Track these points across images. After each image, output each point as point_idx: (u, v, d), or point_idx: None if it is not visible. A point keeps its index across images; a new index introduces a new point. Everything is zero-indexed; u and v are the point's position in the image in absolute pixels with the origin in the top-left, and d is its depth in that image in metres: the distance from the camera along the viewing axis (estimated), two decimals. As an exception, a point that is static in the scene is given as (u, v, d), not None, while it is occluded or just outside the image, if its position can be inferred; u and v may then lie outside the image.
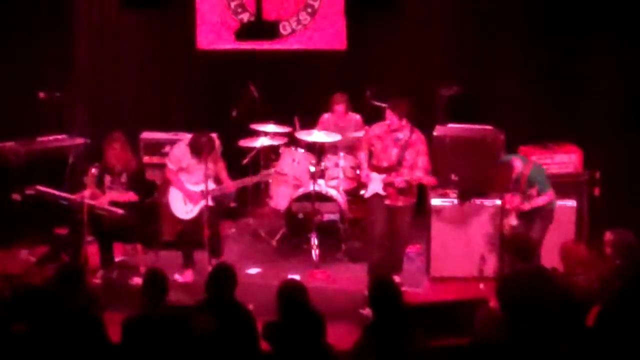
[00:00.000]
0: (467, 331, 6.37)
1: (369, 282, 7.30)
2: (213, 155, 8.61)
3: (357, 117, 10.05)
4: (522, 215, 8.17)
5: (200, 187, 8.63)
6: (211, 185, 8.61)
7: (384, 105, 9.57)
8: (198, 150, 8.52)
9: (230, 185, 8.88)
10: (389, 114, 8.22)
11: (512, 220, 8.27)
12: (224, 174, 8.83)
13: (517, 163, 8.13)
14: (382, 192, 8.26)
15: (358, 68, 10.73)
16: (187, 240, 8.78)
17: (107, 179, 8.57)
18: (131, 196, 8.52)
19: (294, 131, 9.92)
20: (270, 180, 9.71)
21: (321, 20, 10.86)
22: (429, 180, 8.25)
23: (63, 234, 8.99)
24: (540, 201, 8.06)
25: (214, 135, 8.79)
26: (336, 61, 10.81)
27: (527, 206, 8.08)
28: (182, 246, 8.85)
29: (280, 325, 5.92)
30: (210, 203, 8.60)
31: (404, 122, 8.21)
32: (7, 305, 6.04)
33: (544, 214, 8.13)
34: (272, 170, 9.57)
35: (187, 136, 8.83)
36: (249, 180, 9.25)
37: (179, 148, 8.72)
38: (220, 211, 8.92)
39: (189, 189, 8.67)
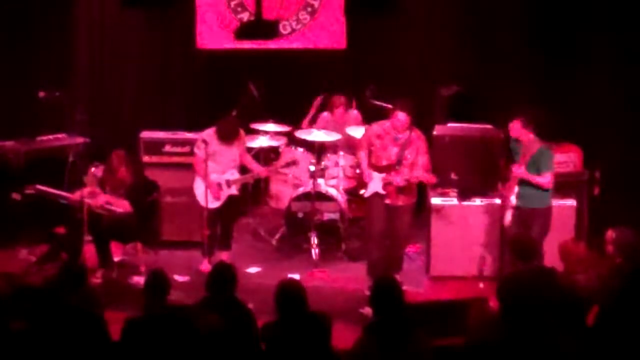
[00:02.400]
0: (464, 331, 6.37)
1: (371, 282, 7.30)
2: (239, 143, 8.77)
3: (355, 112, 10.06)
4: (519, 216, 8.14)
5: (226, 176, 8.71)
6: (235, 175, 8.75)
7: (384, 104, 9.60)
8: (226, 132, 8.68)
9: (263, 171, 9.09)
10: (400, 115, 8.13)
11: (505, 220, 8.26)
12: (250, 160, 9.04)
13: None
14: (382, 191, 8.26)
15: (358, 68, 10.74)
16: (209, 229, 8.79)
17: (108, 188, 8.59)
18: (125, 206, 8.53)
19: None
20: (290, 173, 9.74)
21: (321, 19, 10.87)
22: (429, 178, 8.24)
23: (63, 233, 8.99)
24: (537, 179, 8.03)
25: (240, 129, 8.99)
26: (336, 61, 10.81)
27: (524, 174, 8.04)
28: (203, 235, 8.88)
29: (279, 325, 5.91)
30: (235, 192, 8.80)
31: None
32: (8, 305, 6.05)
33: (539, 216, 8.10)
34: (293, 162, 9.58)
35: (188, 134, 8.92)
36: (277, 166, 9.42)
37: (207, 135, 8.78)
38: (241, 205, 9.00)
39: (212, 181, 8.72)
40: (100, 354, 5.88)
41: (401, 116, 8.14)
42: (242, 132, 8.98)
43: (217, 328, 5.80)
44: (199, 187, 8.83)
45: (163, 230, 9.28)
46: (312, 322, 5.89)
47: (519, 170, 8.04)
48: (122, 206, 8.52)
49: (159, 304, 6.01)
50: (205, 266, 8.68)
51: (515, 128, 8.17)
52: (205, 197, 8.68)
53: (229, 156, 8.81)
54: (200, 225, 8.86)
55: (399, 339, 5.56)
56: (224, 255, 8.82)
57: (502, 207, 8.42)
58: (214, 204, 8.75)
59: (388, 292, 5.75)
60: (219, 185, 8.78)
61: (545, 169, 8.06)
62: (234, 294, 6.19)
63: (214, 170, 8.74)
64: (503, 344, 5.73)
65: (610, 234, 6.97)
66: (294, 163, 9.36)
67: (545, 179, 8.04)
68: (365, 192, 8.44)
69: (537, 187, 8.03)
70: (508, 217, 8.21)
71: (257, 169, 9.03)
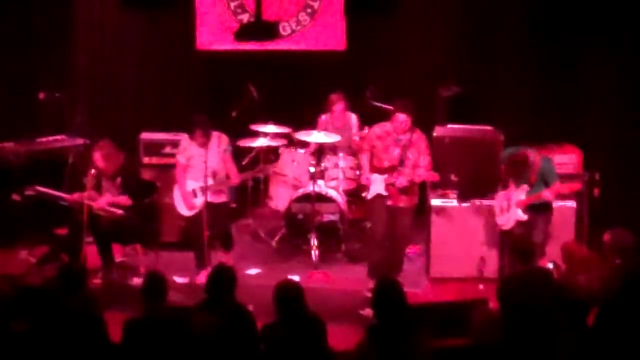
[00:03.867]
0: (466, 332, 6.37)
1: (372, 283, 7.30)
2: (220, 150, 8.61)
3: (354, 116, 10.02)
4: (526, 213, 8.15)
5: (200, 183, 8.61)
6: (209, 182, 8.62)
7: (384, 105, 9.59)
8: (195, 129, 8.53)
9: (235, 178, 8.77)
10: (401, 117, 8.12)
11: (507, 223, 8.24)
12: (230, 167, 8.76)
13: (530, 153, 8.07)
14: (384, 193, 8.24)
15: (358, 68, 10.73)
16: (191, 238, 8.75)
17: (105, 183, 8.58)
18: (125, 200, 8.52)
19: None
20: (270, 173, 9.68)
21: (321, 20, 10.86)
22: (432, 176, 8.22)
23: (63, 235, 8.99)
24: (549, 194, 8.01)
25: (222, 134, 8.78)
26: (336, 61, 10.80)
27: (551, 198, 8.00)
28: (189, 246, 8.82)
29: (277, 326, 5.91)
30: (210, 199, 8.59)
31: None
32: (9, 305, 6.05)
33: (546, 211, 8.11)
34: (273, 165, 9.54)
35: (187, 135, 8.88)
36: (252, 174, 9.27)
37: (185, 139, 8.76)
38: (227, 208, 8.91)
39: (186, 190, 8.64)
40: (99, 355, 5.89)
41: (401, 118, 8.13)
42: (223, 136, 8.73)
43: (216, 329, 5.80)
44: (176, 194, 8.77)
45: (163, 231, 9.27)
46: (310, 324, 5.89)
47: (547, 194, 7.96)
48: (123, 201, 8.50)
49: (158, 306, 6.01)
50: (202, 278, 8.56)
51: (533, 154, 8.04)
52: (186, 202, 8.64)
53: (205, 161, 8.60)
54: (198, 232, 8.75)
55: (401, 341, 5.56)
56: (223, 257, 8.79)
57: (502, 209, 8.38)
58: (189, 212, 8.68)
59: (390, 294, 5.76)
60: (194, 192, 8.67)
61: (554, 178, 8.05)
62: (234, 296, 6.19)
63: (190, 177, 8.68)
64: (504, 344, 5.74)
65: (607, 236, 6.97)
66: (262, 170, 9.34)
67: (556, 189, 8.04)
68: (367, 195, 8.43)
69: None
70: (510, 221, 8.19)
71: (232, 177, 8.75)
